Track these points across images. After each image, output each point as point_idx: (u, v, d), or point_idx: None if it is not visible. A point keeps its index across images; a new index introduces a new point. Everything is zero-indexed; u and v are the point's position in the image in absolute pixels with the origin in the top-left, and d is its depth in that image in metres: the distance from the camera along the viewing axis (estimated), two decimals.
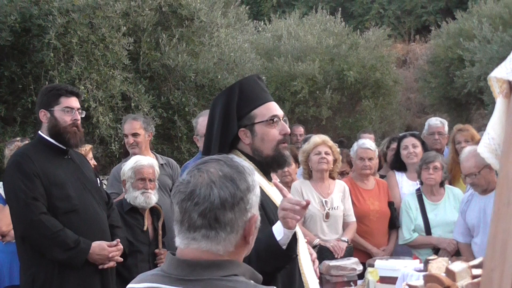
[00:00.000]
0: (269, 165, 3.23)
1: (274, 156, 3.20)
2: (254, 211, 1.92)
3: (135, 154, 5.74)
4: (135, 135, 5.94)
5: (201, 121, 5.43)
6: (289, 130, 3.30)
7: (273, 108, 3.23)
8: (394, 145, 7.38)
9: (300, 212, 2.93)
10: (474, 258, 5.32)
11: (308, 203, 2.96)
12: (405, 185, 6.55)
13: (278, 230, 2.93)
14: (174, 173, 6.03)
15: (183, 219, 1.86)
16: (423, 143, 6.77)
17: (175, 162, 6.24)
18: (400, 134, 7.33)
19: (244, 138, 3.17)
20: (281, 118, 3.25)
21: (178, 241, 1.90)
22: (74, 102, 4.46)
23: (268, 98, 3.27)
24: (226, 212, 1.84)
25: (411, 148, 6.60)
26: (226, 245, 1.87)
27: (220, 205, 1.83)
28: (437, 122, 7.76)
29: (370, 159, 6.34)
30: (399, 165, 6.63)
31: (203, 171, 1.88)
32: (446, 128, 7.72)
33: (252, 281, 1.90)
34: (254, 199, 1.91)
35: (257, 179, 1.96)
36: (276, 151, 3.19)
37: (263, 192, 2.86)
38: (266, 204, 3.06)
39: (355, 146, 6.52)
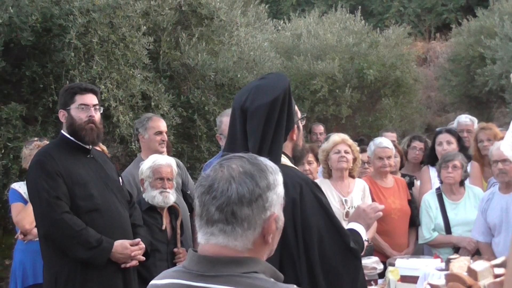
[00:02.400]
0: (300, 157, 3.41)
1: (303, 149, 3.38)
2: (275, 210, 1.92)
3: (161, 153, 5.74)
4: (163, 133, 5.96)
5: (226, 121, 5.43)
6: None
7: None
8: (415, 144, 7.39)
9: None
10: (494, 257, 5.29)
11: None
12: (438, 181, 6.51)
13: (362, 233, 3.30)
14: (182, 171, 6.01)
15: (202, 213, 1.89)
16: (459, 139, 6.75)
17: (180, 161, 6.22)
18: (437, 129, 7.33)
19: (292, 134, 3.23)
20: None
21: (200, 236, 1.92)
22: (89, 99, 4.46)
23: None
24: (243, 208, 1.85)
25: (445, 145, 6.59)
26: (243, 241, 1.88)
27: (237, 200, 1.85)
28: (466, 119, 7.73)
29: (389, 157, 6.32)
30: (433, 160, 6.59)
31: (225, 166, 1.90)
32: (476, 126, 7.68)
33: (272, 279, 1.90)
34: (275, 198, 1.91)
35: (281, 179, 1.96)
36: (303, 144, 3.34)
37: (320, 186, 3.22)
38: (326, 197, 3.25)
39: (371, 145, 6.51)
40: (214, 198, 1.86)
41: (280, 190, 1.94)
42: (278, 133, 3.13)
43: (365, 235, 3.32)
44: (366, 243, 5.67)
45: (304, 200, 3.05)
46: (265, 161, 1.96)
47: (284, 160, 3.21)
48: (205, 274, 1.87)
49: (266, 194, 1.89)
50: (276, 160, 3.02)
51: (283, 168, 3.09)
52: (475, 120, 7.88)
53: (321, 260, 3.03)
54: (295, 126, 3.26)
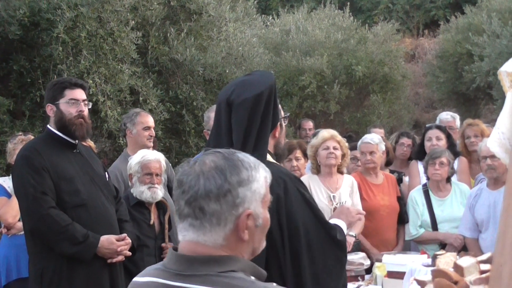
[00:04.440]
0: (281, 156, 3.44)
1: (284, 148, 3.38)
2: (250, 206, 1.88)
3: (149, 148, 5.76)
4: (151, 128, 5.99)
5: (213, 116, 5.42)
6: None
7: None
8: (403, 140, 7.41)
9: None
10: (481, 253, 5.33)
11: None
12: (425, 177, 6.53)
13: (344, 228, 3.33)
14: (167, 167, 6.01)
15: (175, 207, 1.91)
16: (448, 136, 6.78)
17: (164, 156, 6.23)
18: (427, 125, 7.36)
19: (276, 132, 3.24)
20: None
21: (178, 233, 1.92)
22: (79, 94, 4.45)
23: None
24: (210, 203, 1.83)
25: (435, 141, 6.62)
26: (212, 237, 1.86)
27: (204, 195, 1.83)
28: (447, 116, 7.77)
29: (371, 153, 6.32)
30: (422, 155, 6.60)
31: (198, 161, 1.89)
32: (458, 123, 7.72)
33: (252, 277, 1.89)
34: (249, 194, 1.87)
35: (261, 175, 1.93)
36: (284, 142, 3.33)
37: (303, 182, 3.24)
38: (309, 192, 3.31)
39: (360, 141, 6.54)
40: (183, 192, 1.86)
41: (257, 186, 1.90)
42: (263, 128, 3.14)
43: (345, 231, 3.35)
44: (353, 239, 5.72)
45: (289, 195, 3.07)
46: (244, 157, 1.93)
47: (268, 156, 3.23)
48: (183, 273, 1.86)
49: (237, 190, 1.85)
50: (262, 155, 3.04)
51: (267, 164, 3.11)
52: (457, 116, 7.92)
53: (307, 251, 3.05)
54: (278, 124, 3.27)
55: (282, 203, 3.04)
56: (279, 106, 3.32)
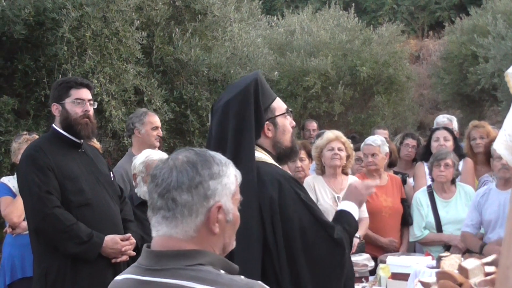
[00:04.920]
0: (287, 156, 3.39)
1: (292, 147, 3.36)
2: (220, 199, 1.95)
3: (156, 147, 5.79)
4: (159, 128, 6.06)
5: None
6: (294, 123, 3.46)
7: (282, 102, 3.39)
8: (407, 141, 7.41)
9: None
10: (478, 249, 5.40)
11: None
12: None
13: (356, 213, 3.32)
14: None
15: (148, 202, 1.97)
16: (454, 138, 6.78)
17: None
18: (433, 127, 7.35)
19: (267, 132, 3.23)
20: None
21: (152, 229, 1.98)
22: (84, 93, 4.46)
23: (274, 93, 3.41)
24: (182, 193, 1.90)
25: (442, 141, 6.62)
26: (184, 228, 1.93)
27: (176, 186, 1.91)
28: (444, 119, 7.80)
29: (373, 155, 6.32)
30: (428, 157, 6.59)
31: (171, 158, 1.97)
32: (455, 125, 7.72)
33: (222, 271, 1.94)
34: (220, 188, 1.95)
35: (231, 172, 2.00)
36: (292, 142, 3.36)
37: (300, 182, 3.20)
38: (307, 192, 3.26)
39: (362, 143, 6.54)
40: (157, 185, 1.93)
41: (227, 181, 1.97)
42: (241, 130, 3.14)
43: (357, 213, 3.32)
44: (357, 240, 5.72)
45: (284, 196, 3.06)
46: (215, 154, 2.01)
47: (263, 156, 3.21)
48: (152, 268, 1.93)
49: (208, 182, 1.93)
50: (247, 156, 3.07)
51: (261, 165, 3.11)
52: (454, 118, 7.94)
53: (305, 252, 3.03)
54: (267, 122, 3.23)
55: (276, 205, 3.04)
56: (275, 103, 3.28)
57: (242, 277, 1.95)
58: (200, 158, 1.96)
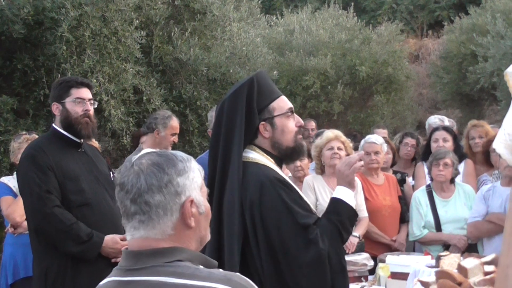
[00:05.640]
0: (289, 156, 3.36)
1: (294, 147, 3.32)
2: (191, 194, 2.00)
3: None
4: (176, 135, 6.23)
5: None
6: (302, 122, 3.43)
7: (286, 101, 3.36)
8: (406, 140, 7.41)
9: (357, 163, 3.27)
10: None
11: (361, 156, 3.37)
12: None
13: (347, 196, 3.22)
14: None
15: (122, 210, 1.99)
16: (455, 138, 6.77)
17: None
18: (434, 126, 7.34)
19: (264, 132, 3.23)
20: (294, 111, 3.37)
21: (126, 234, 2.02)
22: (85, 93, 4.47)
23: (279, 92, 3.39)
24: (154, 195, 1.94)
25: (441, 142, 6.62)
26: (162, 228, 1.96)
27: (147, 189, 1.94)
28: (435, 120, 7.82)
29: (376, 153, 6.33)
30: (427, 156, 6.59)
31: (135, 164, 2.00)
32: (447, 124, 7.72)
33: (200, 266, 1.98)
34: (187, 183, 2.00)
35: (195, 166, 2.04)
36: (295, 142, 3.31)
37: (288, 183, 3.17)
38: (295, 193, 3.19)
39: (362, 141, 6.54)
40: (127, 192, 1.96)
41: (193, 176, 2.02)
42: (232, 128, 3.17)
43: (350, 195, 3.23)
44: (357, 240, 5.73)
45: (264, 197, 3.05)
46: (176, 152, 2.06)
47: (257, 157, 3.20)
48: (131, 268, 1.96)
49: (176, 179, 1.97)
50: (234, 155, 3.11)
51: (250, 166, 3.11)
52: (445, 118, 7.97)
53: (282, 252, 3.02)
54: (263, 123, 3.22)
55: (256, 206, 3.04)
56: (274, 104, 3.27)
57: (221, 270, 2.00)
58: (163, 158, 2.00)
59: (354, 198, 3.27)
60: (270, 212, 3.04)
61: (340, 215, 3.19)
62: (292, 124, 3.30)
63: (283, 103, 3.31)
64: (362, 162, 3.33)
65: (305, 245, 3.04)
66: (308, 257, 3.03)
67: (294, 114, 3.35)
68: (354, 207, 3.24)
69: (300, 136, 3.38)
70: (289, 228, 3.05)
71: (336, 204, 3.23)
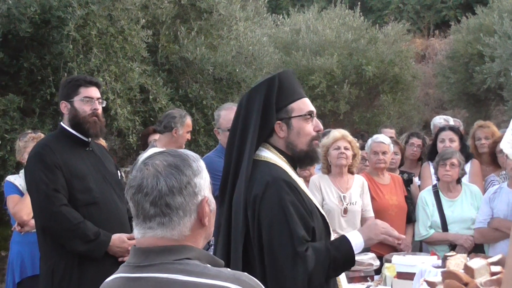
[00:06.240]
0: (301, 160, 3.28)
1: (307, 151, 3.24)
2: (205, 193, 2.02)
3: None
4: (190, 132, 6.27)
5: (224, 115, 5.49)
6: (322, 127, 3.35)
7: (309, 104, 3.29)
8: (413, 140, 7.39)
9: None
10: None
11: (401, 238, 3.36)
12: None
13: (357, 244, 3.14)
14: None
15: (137, 212, 1.99)
16: (461, 138, 6.75)
17: None
18: (439, 126, 7.32)
19: (279, 131, 3.19)
20: (315, 115, 3.29)
21: (136, 232, 2.01)
22: (93, 92, 4.47)
23: (303, 94, 3.33)
24: (175, 197, 1.95)
25: (448, 142, 6.60)
26: (181, 229, 1.98)
27: (168, 192, 1.94)
28: (440, 120, 7.79)
29: (384, 153, 6.32)
30: (434, 156, 6.57)
31: (149, 164, 1.99)
32: (452, 124, 7.70)
33: (208, 265, 1.99)
34: (202, 182, 2.02)
35: (204, 165, 2.06)
36: (310, 146, 3.24)
37: (297, 186, 3.12)
38: (304, 196, 3.13)
39: (369, 141, 6.53)
40: (146, 194, 1.95)
41: (205, 174, 2.05)
42: (248, 125, 3.14)
43: (359, 246, 3.13)
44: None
45: (265, 197, 3.01)
46: (186, 151, 2.07)
47: (270, 156, 3.17)
48: (140, 265, 1.97)
49: (194, 180, 1.99)
50: (247, 152, 3.09)
51: (261, 164, 3.09)
52: (450, 118, 7.92)
53: (270, 255, 2.98)
54: (279, 122, 3.19)
55: (257, 204, 3.02)
56: (294, 105, 3.22)
57: (229, 269, 2.01)
58: (178, 159, 2.01)
59: (359, 248, 3.16)
60: (266, 211, 3.01)
61: (340, 252, 3.08)
62: (309, 127, 3.22)
63: (303, 105, 3.24)
64: (396, 242, 3.40)
65: (292, 256, 2.96)
66: (290, 268, 2.95)
67: (315, 118, 3.27)
68: (356, 261, 3.18)
69: (317, 142, 3.28)
70: (279, 232, 2.99)
71: (343, 242, 3.14)
